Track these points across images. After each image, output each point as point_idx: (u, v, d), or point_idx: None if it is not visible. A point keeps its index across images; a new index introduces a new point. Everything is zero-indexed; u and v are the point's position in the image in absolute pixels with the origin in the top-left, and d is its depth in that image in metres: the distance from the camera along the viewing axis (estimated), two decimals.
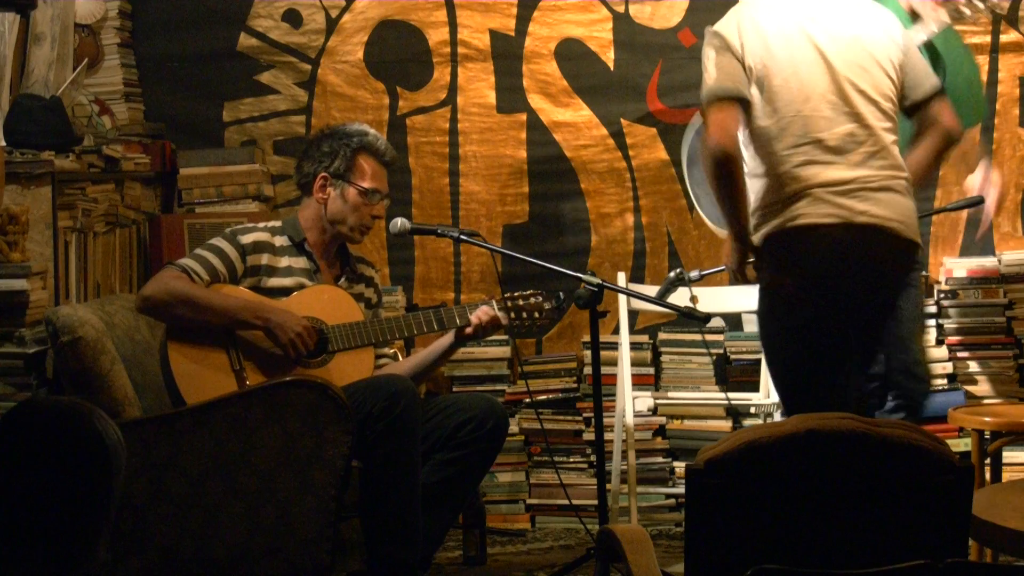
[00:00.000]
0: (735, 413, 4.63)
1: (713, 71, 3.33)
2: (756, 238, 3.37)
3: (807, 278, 3.34)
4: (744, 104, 3.31)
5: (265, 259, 3.71)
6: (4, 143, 3.93)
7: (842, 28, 3.38)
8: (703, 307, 3.79)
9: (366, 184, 3.74)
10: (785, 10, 3.38)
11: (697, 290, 4.05)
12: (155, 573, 3.37)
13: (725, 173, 3.29)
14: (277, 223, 3.83)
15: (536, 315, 3.83)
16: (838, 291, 3.34)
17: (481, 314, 3.73)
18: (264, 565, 3.41)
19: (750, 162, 3.39)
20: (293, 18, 4.95)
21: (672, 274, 4.04)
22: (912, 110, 3.42)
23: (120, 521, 3.10)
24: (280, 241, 3.75)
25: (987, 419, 3.95)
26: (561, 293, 3.81)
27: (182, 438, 3.42)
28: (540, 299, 3.83)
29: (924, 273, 4.38)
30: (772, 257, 3.36)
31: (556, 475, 4.56)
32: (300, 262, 3.75)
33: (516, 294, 3.83)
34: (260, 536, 3.40)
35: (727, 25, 3.39)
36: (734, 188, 3.33)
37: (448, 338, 3.83)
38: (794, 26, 3.35)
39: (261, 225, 3.81)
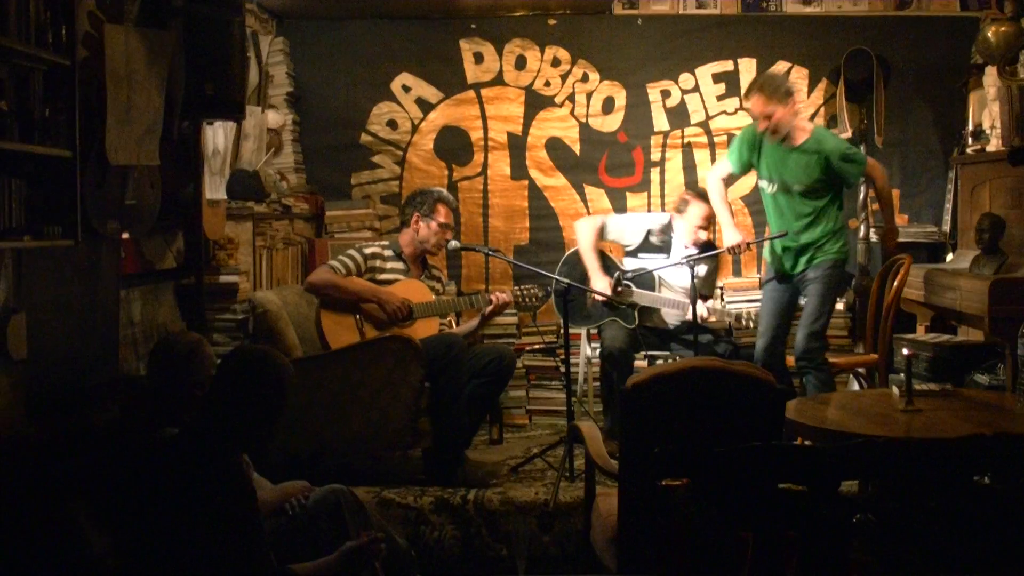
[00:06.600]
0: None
1: None
2: None
3: None
4: None
5: (378, 263, 3.70)
6: (227, 197, 3.96)
7: None
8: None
9: (441, 220, 3.73)
10: None
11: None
12: (308, 447, 3.38)
13: None
14: (386, 242, 3.81)
15: (534, 299, 3.81)
16: None
17: (499, 295, 3.72)
18: (373, 443, 3.43)
19: None
20: (392, 123, 4.93)
21: (617, 274, 4.08)
22: None
23: (289, 417, 3.15)
24: (387, 252, 3.74)
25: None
26: (549, 287, 3.81)
27: (327, 369, 3.43)
28: (536, 289, 3.82)
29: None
30: None
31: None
32: (399, 265, 3.74)
33: (522, 287, 3.83)
34: (370, 426, 3.41)
35: None
36: None
37: (476, 319, 3.82)
38: None
39: (377, 243, 3.80)
